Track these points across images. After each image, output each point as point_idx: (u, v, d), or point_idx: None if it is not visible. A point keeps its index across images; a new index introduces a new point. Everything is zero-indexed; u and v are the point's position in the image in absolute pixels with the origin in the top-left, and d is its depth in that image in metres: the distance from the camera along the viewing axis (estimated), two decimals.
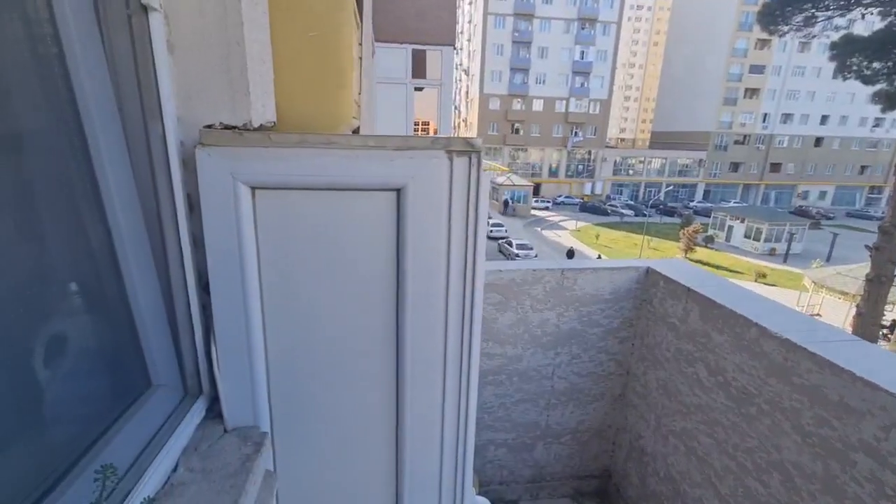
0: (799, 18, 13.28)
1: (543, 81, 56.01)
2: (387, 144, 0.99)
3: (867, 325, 11.78)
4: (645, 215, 39.52)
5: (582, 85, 56.93)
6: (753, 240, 40.37)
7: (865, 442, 1.36)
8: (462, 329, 1.10)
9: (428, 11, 8.17)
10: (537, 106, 56.75)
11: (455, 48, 9.17)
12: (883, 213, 11.88)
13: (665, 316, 2.36)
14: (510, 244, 31.73)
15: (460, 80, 71.25)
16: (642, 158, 64.20)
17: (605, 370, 2.70)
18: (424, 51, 9.04)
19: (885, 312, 19.38)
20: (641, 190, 62.97)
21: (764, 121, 60.84)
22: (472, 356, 1.13)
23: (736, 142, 61.74)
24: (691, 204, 59.32)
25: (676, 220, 47.02)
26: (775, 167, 62.83)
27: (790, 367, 1.61)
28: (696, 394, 2.11)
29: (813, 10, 12.87)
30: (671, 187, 58.55)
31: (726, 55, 57.66)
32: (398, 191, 1.01)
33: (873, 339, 12.20)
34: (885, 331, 20.02)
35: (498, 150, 57.58)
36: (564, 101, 56.80)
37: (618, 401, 2.77)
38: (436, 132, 9.30)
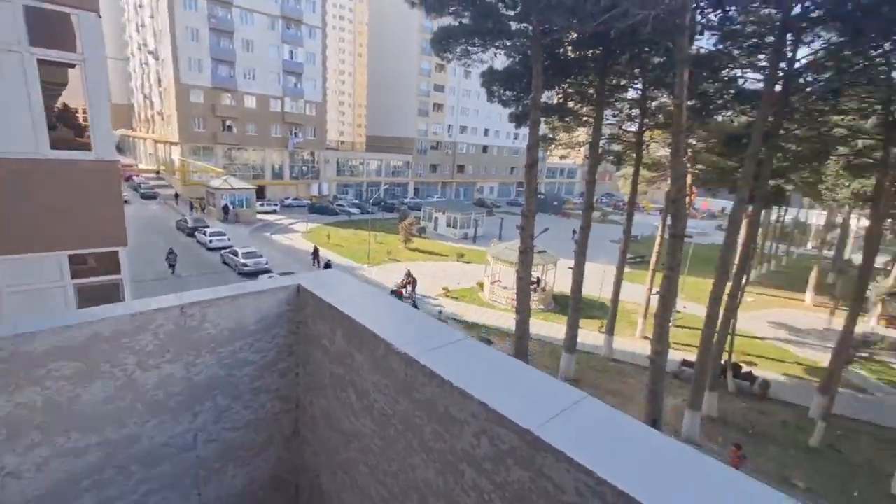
0: (458, 50, 16.18)
1: (253, 77, 52.16)
2: None
3: (524, 282, 15.84)
4: (369, 212, 42.32)
5: (296, 85, 55.87)
6: (453, 227, 48.88)
7: (466, 451, 1.33)
8: None
9: None
10: (250, 103, 52.51)
11: (99, 14, 6.96)
12: (523, 202, 16.19)
13: (318, 337, 2.09)
14: (235, 254, 28.26)
15: (147, 64, 58.57)
16: (361, 160, 68.49)
17: (268, 412, 2.26)
18: (52, 10, 6.54)
19: (533, 273, 26.81)
20: (364, 189, 67.22)
21: (448, 131, 74.69)
22: None
23: (432, 147, 73.62)
24: (406, 200, 67.36)
25: (395, 215, 52.42)
26: (461, 168, 78.42)
27: (410, 382, 1.53)
28: (351, 420, 1.91)
29: (466, 46, 15.89)
30: (388, 186, 64.86)
31: (416, 74, 67.76)
32: None
33: (529, 292, 16.51)
34: (533, 285, 27.59)
35: (210, 149, 50.46)
36: (280, 101, 54.56)
37: (291, 440, 2.39)
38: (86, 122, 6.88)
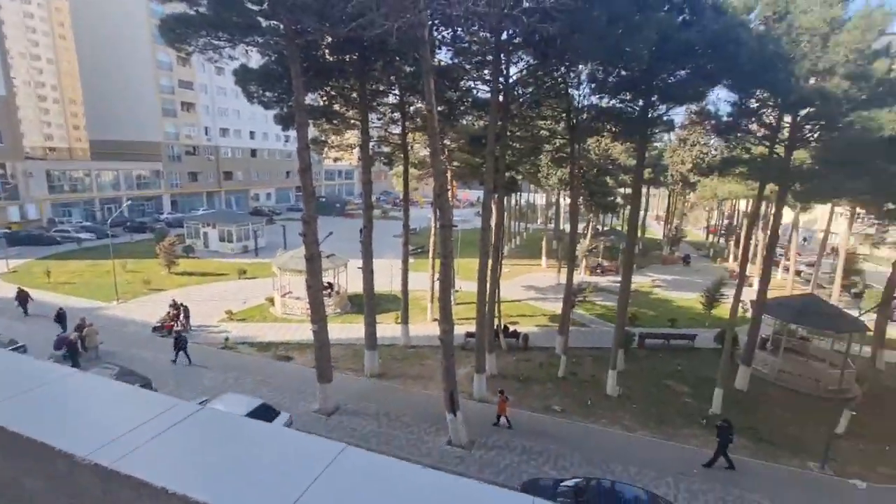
0: (199, 42, 14.16)
1: None
2: None
3: (314, 290, 15.35)
4: (109, 236, 33.70)
5: None
6: (228, 242, 43.56)
7: None
8: None
9: None
10: None
11: None
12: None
13: None
14: None
15: None
16: (88, 171, 53.99)
17: None
18: None
19: (324, 279, 26.27)
20: (98, 208, 53.41)
21: (207, 133, 65.67)
22: None
23: (188, 152, 63.42)
24: (161, 217, 56.45)
25: (150, 235, 43.37)
26: (228, 175, 70.16)
27: None
28: None
29: (208, 38, 14.04)
30: (133, 201, 52.98)
31: (151, 66, 56.77)
32: None
33: (322, 299, 16.12)
34: (327, 291, 27.11)
35: None
36: None
37: None
38: None
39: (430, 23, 12.30)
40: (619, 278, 24.97)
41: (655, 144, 42.51)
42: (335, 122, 20.89)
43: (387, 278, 30.23)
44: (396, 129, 22.85)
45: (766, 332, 22.92)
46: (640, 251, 48.85)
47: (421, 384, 19.03)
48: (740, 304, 19.45)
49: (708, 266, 49.35)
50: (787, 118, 17.03)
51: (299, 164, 13.88)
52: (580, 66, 16.99)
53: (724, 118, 18.63)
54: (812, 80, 15.40)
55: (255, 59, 17.64)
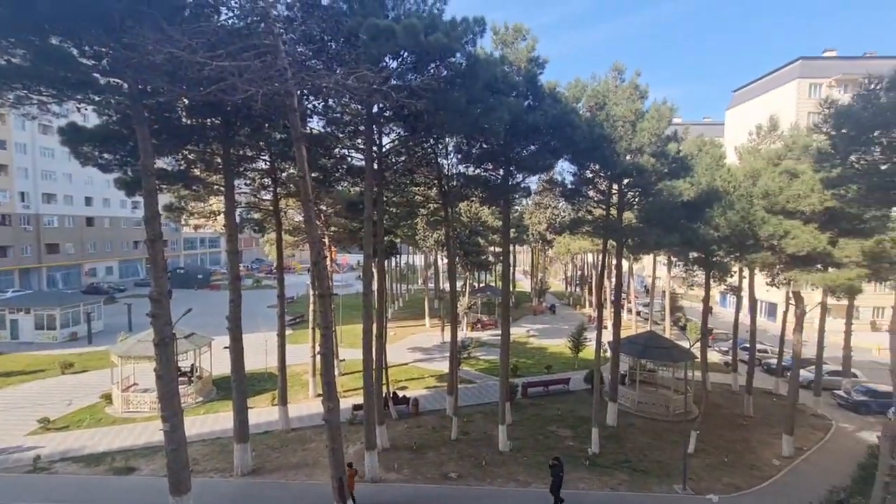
0: (10, 97, 12.04)
1: None
2: None
3: (165, 381, 12.94)
4: None
5: None
6: (49, 329, 35.52)
7: None
8: None
9: None
10: None
11: None
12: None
13: None
14: None
15: None
16: None
17: None
18: None
19: (184, 363, 22.61)
20: None
21: (24, 200, 54.72)
22: None
23: None
24: None
25: None
26: (53, 248, 58.40)
27: None
28: None
29: (26, 91, 12.04)
30: None
31: None
32: None
33: (176, 390, 13.58)
34: (185, 377, 23.33)
35: None
36: None
37: None
38: None
39: (298, 92, 12.35)
40: (498, 331, 26.22)
41: (517, 207, 47.55)
42: (195, 188, 19.09)
43: (261, 355, 27.29)
44: (268, 196, 21.78)
45: (624, 368, 25.90)
46: (513, 304, 52.51)
47: (304, 473, 16.88)
48: (601, 347, 21.81)
49: (571, 313, 55.03)
50: (615, 186, 20.59)
51: (147, 234, 12.14)
52: (447, 139, 18.53)
53: (569, 186, 21.77)
54: (629, 157, 19.02)
55: (92, 117, 15.48)
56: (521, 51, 17.63)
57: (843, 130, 13.21)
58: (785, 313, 27.52)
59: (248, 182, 20.44)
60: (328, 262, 26.34)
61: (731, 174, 21.98)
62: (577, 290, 67.63)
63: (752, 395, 24.39)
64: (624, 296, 47.91)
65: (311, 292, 25.17)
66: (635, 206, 21.44)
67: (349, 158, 19.03)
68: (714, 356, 33.67)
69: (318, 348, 18.41)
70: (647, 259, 47.52)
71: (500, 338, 19.99)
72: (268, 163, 19.36)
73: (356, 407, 21.73)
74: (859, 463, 18.57)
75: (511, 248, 47.22)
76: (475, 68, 13.10)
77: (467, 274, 45.45)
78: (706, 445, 19.98)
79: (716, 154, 24.17)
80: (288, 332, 23.09)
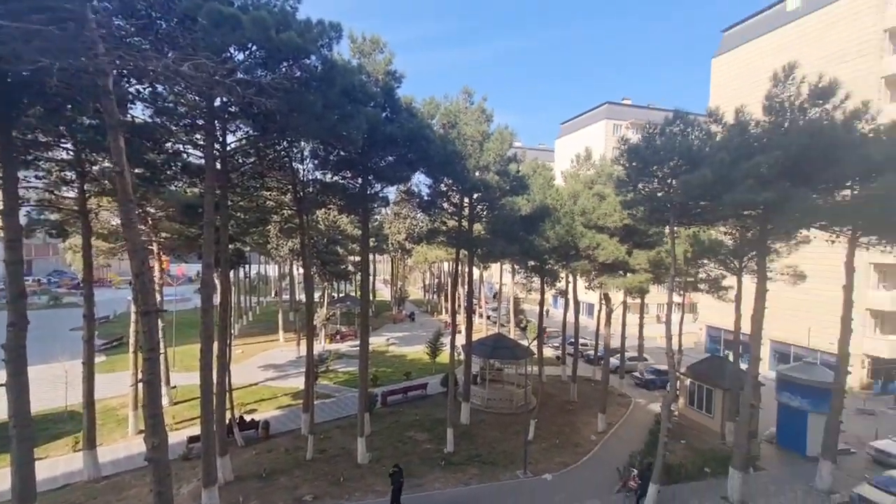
0: None
1: None
2: None
3: None
4: None
5: None
6: None
7: None
8: None
9: None
10: None
11: None
12: None
13: None
14: None
15: None
16: None
17: None
18: None
19: None
20: None
21: None
22: None
23: None
24: None
25: None
26: None
27: None
28: None
29: None
30: None
31: None
32: None
33: None
34: None
35: None
36: None
37: None
38: None
39: (115, 72, 10.49)
40: (358, 342, 25.82)
41: (377, 217, 47.70)
42: None
43: (59, 390, 21.97)
44: (71, 193, 17.85)
45: (476, 369, 27.89)
46: (373, 313, 52.27)
47: None
48: (455, 350, 23.16)
49: (429, 320, 57.17)
50: (466, 200, 22.26)
51: None
52: (303, 143, 17.72)
53: (426, 197, 22.76)
54: (477, 173, 20.79)
55: None
56: (378, 63, 17.93)
57: (634, 164, 16.63)
58: (599, 312, 33.09)
59: (42, 175, 16.44)
60: (157, 274, 22.63)
61: (559, 194, 25.72)
62: (435, 297, 70.61)
63: (577, 382, 28.60)
64: (475, 301, 51.71)
65: (133, 309, 21.26)
66: (483, 219, 23.47)
67: (185, 155, 16.76)
68: (548, 352, 38.49)
69: (140, 375, 15.68)
70: (495, 267, 52.15)
71: (359, 348, 19.69)
72: (72, 152, 15.89)
73: (192, 439, 19.02)
74: (650, 429, 23.22)
75: (371, 257, 46.86)
76: (332, 73, 12.84)
77: (326, 284, 43.73)
78: (542, 431, 22.69)
79: (547, 176, 28.00)
80: (101, 358, 19.13)
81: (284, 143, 17.03)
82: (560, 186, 28.31)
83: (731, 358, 24.03)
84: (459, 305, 27.86)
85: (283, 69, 12.12)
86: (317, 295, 42.76)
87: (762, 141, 14.67)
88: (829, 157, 13.71)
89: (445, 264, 61.73)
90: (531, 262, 27.14)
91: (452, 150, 18.90)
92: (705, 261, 23.12)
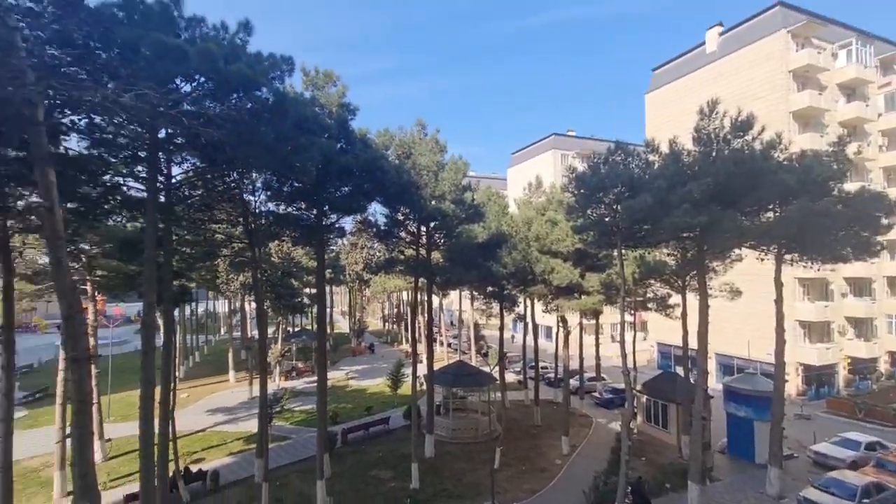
0: None
1: None
2: None
3: None
4: None
5: None
6: None
7: None
8: None
9: None
10: None
11: None
12: None
13: None
14: None
15: None
16: None
17: None
18: None
19: None
20: None
21: None
22: None
23: None
24: None
25: None
26: None
27: None
28: None
29: None
30: None
31: None
32: None
33: None
34: None
35: None
36: None
37: None
38: None
39: (47, 102, 9.93)
40: (315, 378, 24.72)
41: (333, 247, 46.85)
42: None
43: None
44: None
45: (439, 398, 27.38)
46: (331, 347, 50.54)
47: None
48: (417, 380, 22.72)
49: (390, 350, 55.91)
50: (424, 228, 22.39)
51: None
52: (254, 174, 17.30)
53: (383, 227, 22.69)
54: (433, 202, 21.04)
55: None
56: (332, 95, 18.04)
57: (582, 191, 17.50)
58: (557, 334, 33.74)
59: None
60: (91, 315, 20.89)
61: (514, 220, 26.45)
62: (395, 327, 69.43)
63: (539, 406, 28.71)
64: (436, 330, 51.32)
65: (61, 356, 19.39)
66: (441, 247, 23.63)
67: (125, 188, 15.86)
68: (510, 376, 38.56)
69: (69, 430, 14.18)
70: (455, 294, 52.27)
71: (317, 385, 18.87)
72: None
73: (129, 497, 17.26)
74: (612, 448, 23.53)
75: (328, 288, 45.59)
76: (284, 105, 12.76)
77: (280, 318, 41.97)
78: (508, 458, 22.42)
79: (501, 203, 28.80)
80: (22, 412, 17.18)
81: (234, 174, 16.54)
82: (514, 213, 29.14)
83: (681, 373, 25.07)
84: (420, 334, 27.52)
85: (234, 100, 11.92)
86: (271, 330, 40.90)
87: (694, 169, 15.90)
88: (752, 183, 15.07)
89: (405, 293, 61.18)
90: (490, 288, 27.44)
91: (408, 179, 19.10)
92: (652, 281, 24.34)
